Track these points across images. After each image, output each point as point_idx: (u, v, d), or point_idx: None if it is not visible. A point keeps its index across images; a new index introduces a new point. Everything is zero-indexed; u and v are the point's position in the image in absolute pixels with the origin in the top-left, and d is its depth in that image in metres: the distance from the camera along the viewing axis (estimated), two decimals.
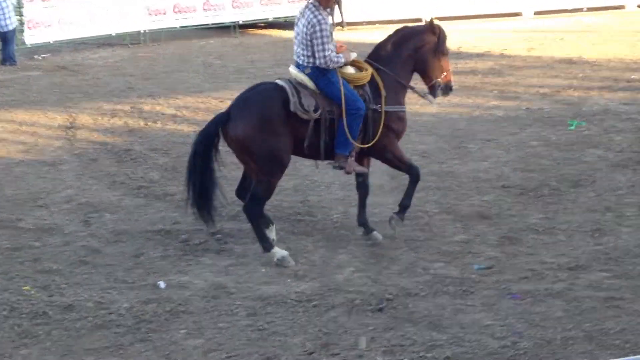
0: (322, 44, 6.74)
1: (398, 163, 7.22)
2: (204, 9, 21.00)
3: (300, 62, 6.96)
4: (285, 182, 8.96)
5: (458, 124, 11.24)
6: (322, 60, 6.76)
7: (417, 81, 7.49)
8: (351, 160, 6.94)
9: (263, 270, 6.69)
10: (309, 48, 6.83)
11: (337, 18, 7.31)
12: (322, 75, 6.85)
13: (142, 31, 20.35)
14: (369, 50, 7.34)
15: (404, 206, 7.16)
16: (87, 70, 17.02)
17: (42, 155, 10.55)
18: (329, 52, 6.76)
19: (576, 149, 9.63)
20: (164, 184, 9.20)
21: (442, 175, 9.02)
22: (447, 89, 7.33)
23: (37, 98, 14.07)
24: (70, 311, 5.92)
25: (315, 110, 6.73)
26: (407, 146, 10.20)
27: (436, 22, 7.28)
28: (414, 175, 7.18)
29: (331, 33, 6.86)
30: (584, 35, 18.17)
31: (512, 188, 8.42)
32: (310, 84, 6.86)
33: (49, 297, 6.18)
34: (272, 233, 7.01)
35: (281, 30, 22.06)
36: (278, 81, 6.99)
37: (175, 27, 21.06)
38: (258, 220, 6.87)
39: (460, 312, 5.74)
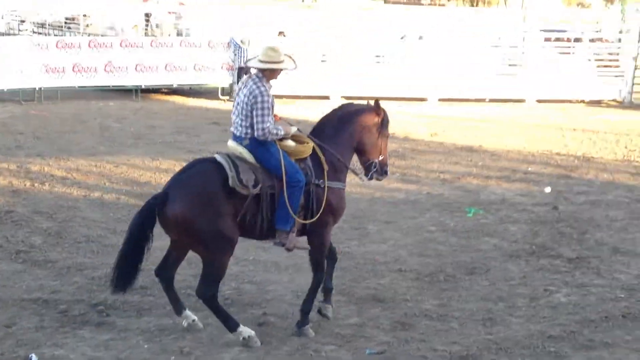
0: (262, 115, 6.67)
1: (319, 253, 7.08)
2: (106, 71, 20.84)
3: (238, 134, 6.87)
4: None
5: (359, 205, 11.38)
6: (261, 132, 6.68)
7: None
8: (292, 236, 6.81)
9: (145, 346, 6.51)
10: (248, 119, 6.76)
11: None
12: (260, 146, 6.76)
13: (37, 88, 19.98)
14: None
15: (304, 311, 6.97)
16: None
17: None
18: (268, 125, 6.68)
19: (472, 236, 9.89)
20: (45, 249, 8.90)
21: (340, 255, 9.05)
22: (383, 172, 7.34)
23: None
24: None
25: (255, 185, 6.58)
26: None
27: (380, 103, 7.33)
28: (318, 280, 7.07)
29: (272, 106, 6.80)
30: (485, 125, 18.93)
31: (408, 272, 8.55)
32: (249, 156, 6.74)
33: None
34: (188, 318, 6.88)
35: (185, 97, 22.13)
36: (216, 156, 6.80)
37: (74, 87, 20.78)
38: (216, 302, 6.70)
39: None
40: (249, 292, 7.84)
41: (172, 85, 22.33)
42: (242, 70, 21.68)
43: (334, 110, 7.34)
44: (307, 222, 6.84)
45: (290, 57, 7.05)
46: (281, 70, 6.91)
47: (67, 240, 9.24)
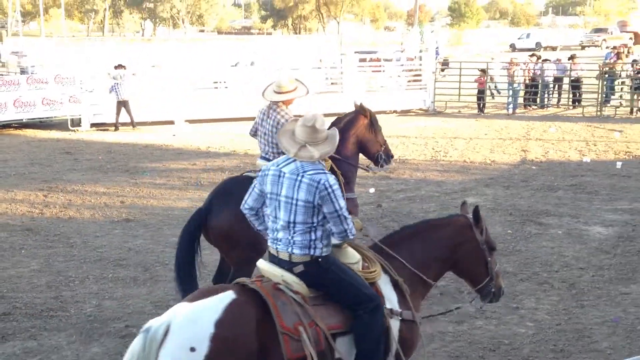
0: None
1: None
2: None
3: (270, 158, 6.82)
4: (37, 279, 8.39)
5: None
6: None
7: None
8: None
9: None
10: (277, 145, 6.72)
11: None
12: None
13: None
14: None
15: None
16: None
17: None
18: None
19: None
20: None
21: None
22: (389, 157, 7.55)
23: None
24: None
25: None
26: (160, 239, 10.06)
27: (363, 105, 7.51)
28: None
29: None
30: None
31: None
32: None
33: None
34: None
35: (36, 130, 21.05)
36: (250, 174, 6.73)
37: None
38: None
39: None
40: (110, 307, 7.54)
41: (22, 120, 21.18)
42: (121, 104, 20.95)
43: (331, 126, 7.40)
44: None
45: (301, 83, 7.09)
46: (294, 98, 6.93)
47: None
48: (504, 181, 13.41)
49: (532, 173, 14.14)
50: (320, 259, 4.22)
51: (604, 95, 23.41)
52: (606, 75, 23.68)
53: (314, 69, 26.00)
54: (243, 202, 4.77)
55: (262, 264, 4.42)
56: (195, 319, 3.81)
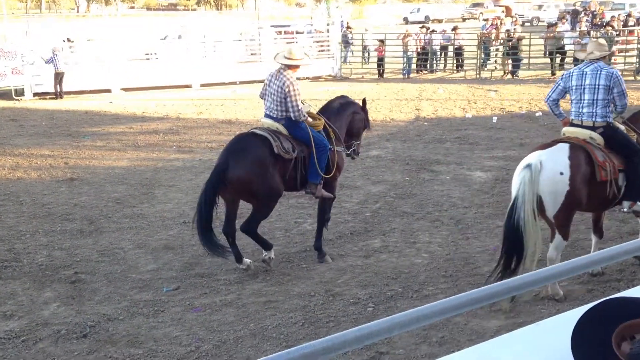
0: (296, 101, 6.65)
1: (331, 198, 7.24)
2: None
3: (275, 116, 6.76)
4: None
5: (145, 174, 10.99)
6: (297, 114, 6.67)
7: None
8: (319, 187, 6.92)
9: None
10: (283, 104, 6.68)
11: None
12: (293, 124, 6.75)
13: None
14: None
15: (316, 247, 7.10)
16: None
17: None
18: (301, 107, 6.69)
19: None
20: None
21: (134, 217, 8.72)
22: (356, 153, 7.62)
23: None
24: None
25: (293, 151, 6.62)
26: (103, 195, 9.75)
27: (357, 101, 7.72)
28: (327, 219, 7.30)
29: (300, 92, 6.72)
30: (238, 102, 19.00)
31: (190, 223, 8.36)
32: (284, 131, 6.72)
33: None
34: (245, 262, 6.73)
35: None
36: (256, 131, 6.65)
37: None
38: (256, 233, 6.67)
39: (154, 328, 5.54)
40: (59, 257, 7.29)
41: None
42: (58, 75, 19.96)
43: (336, 99, 7.54)
44: (327, 176, 6.97)
45: (307, 55, 7.22)
46: (300, 65, 6.86)
47: None
48: (402, 136, 13.61)
49: (424, 128, 14.41)
50: (611, 124, 5.70)
51: (482, 61, 23.98)
52: (483, 44, 24.22)
53: (235, 41, 25.43)
54: (547, 96, 6.00)
55: (570, 129, 5.78)
56: (555, 156, 5.37)
